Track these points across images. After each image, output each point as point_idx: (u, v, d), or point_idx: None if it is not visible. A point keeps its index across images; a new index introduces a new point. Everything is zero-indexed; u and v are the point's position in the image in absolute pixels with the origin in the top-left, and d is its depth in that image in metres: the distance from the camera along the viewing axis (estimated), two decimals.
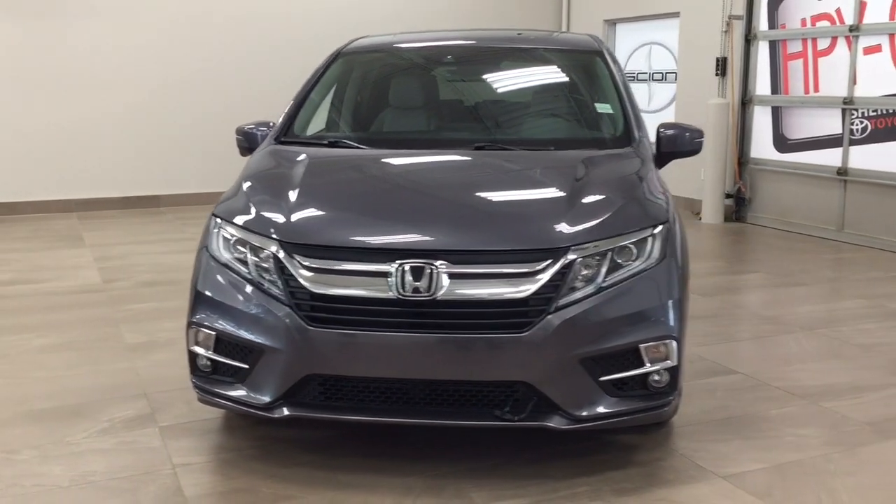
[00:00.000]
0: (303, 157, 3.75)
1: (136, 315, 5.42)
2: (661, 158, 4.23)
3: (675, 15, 9.84)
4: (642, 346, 3.12)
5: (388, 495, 3.12)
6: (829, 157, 8.12)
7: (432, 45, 4.80)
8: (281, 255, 3.15)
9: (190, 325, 3.32)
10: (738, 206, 9.15)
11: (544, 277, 3.02)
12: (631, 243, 3.19)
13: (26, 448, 3.51)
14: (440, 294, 3.00)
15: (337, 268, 3.09)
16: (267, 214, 3.31)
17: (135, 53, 9.65)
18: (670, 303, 3.19)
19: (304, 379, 3.11)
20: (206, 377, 3.33)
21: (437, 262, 3.02)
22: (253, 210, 3.36)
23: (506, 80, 4.61)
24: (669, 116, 10.12)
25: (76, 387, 4.21)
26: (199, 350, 3.31)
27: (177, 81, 9.83)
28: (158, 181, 9.98)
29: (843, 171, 7.97)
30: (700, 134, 4.25)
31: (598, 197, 3.34)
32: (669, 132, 4.16)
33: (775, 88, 8.71)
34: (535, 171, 3.66)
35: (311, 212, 3.30)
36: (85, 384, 4.25)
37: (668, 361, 3.18)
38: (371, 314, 3.04)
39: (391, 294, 3.02)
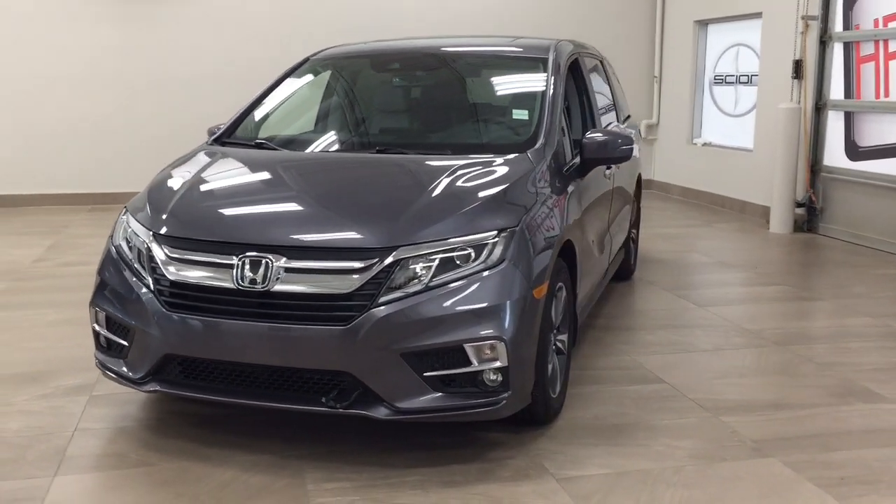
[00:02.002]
0: (212, 157, 4.10)
1: None
2: (585, 165, 4.27)
3: (758, 15, 9.49)
4: (467, 345, 3.23)
5: (231, 469, 3.40)
6: None
7: (386, 53, 5.03)
8: (153, 244, 3.50)
9: (91, 305, 3.73)
10: (809, 216, 8.73)
11: (369, 274, 3.21)
12: (469, 246, 3.31)
13: None
14: (273, 286, 3.25)
15: (191, 258, 3.41)
16: (152, 208, 3.68)
17: (214, 58, 10.31)
18: (504, 305, 3.27)
19: (164, 358, 3.44)
20: (104, 353, 3.74)
21: (273, 257, 3.27)
22: (146, 203, 3.74)
23: (440, 87, 4.77)
24: (752, 121, 9.77)
25: (54, 357, 4.74)
26: (98, 328, 3.72)
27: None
28: None
29: None
30: (628, 141, 4.26)
31: (445, 201, 3.47)
32: (595, 139, 4.22)
33: (848, 93, 8.26)
34: (402, 175, 3.83)
35: (183, 207, 3.64)
36: (62, 355, 4.77)
37: (498, 362, 3.27)
38: (217, 302, 3.34)
39: (233, 285, 3.30)
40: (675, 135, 11.28)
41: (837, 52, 8.36)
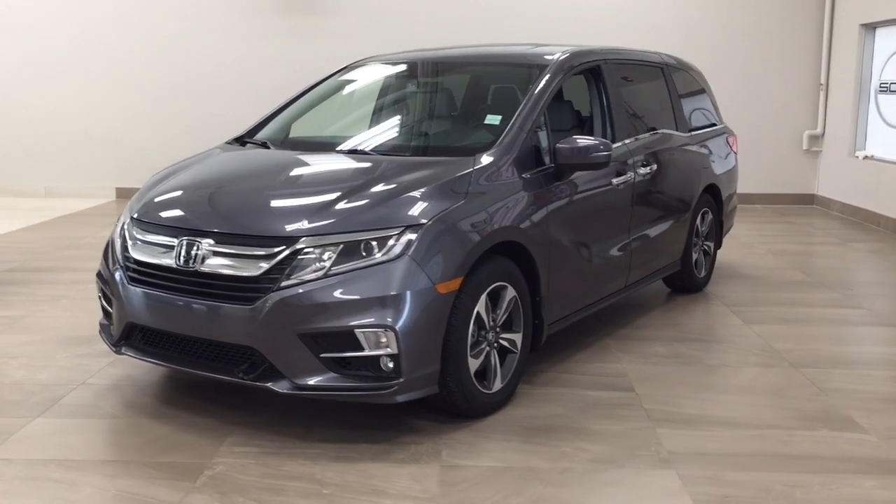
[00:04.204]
0: (208, 155, 4.61)
1: None
2: (561, 170, 4.36)
3: None
4: (358, 331, 3.48)
5: (171, 427, 3.86)
6: None
7: (402, 63, 5.33)
8: (127, 226, 4.06)
9: (96, 277, 4.35)
10: None
11: (274, 260, 3.55)
12: (371, 239, 3.56)
13: (24, 357, 4.81)
14: (201, 267, 3.68)
15: (148, 239, 3.92)
16: (139, 194, 4.26)
17: None
18: (397, 296, 3.49)
19: (128, 326, 3.97)
20: (104, 319, 4.34)
21: (205, 241, 3.70)
22: (139, 192, 4.31)
23: (435, 93, 4.99)
24: None
25: None
26: (99, 297, 4.33)
27: None
28: None
29: None
30: (602, 147, 4.29)
31: (360, 197, 3.73)
32: (568, 145, 4.29)
33: None
34: (338, 173, 4.13)
35: (154, 194, 4.17)
36: None
37: (389, 349, 3.50)
38: (161, 279, 3.82)
39: (174, 263, 3.76)
40: (838, 147, 10.57)
41: None
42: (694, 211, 6.04)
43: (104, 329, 4.26)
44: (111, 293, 4.04)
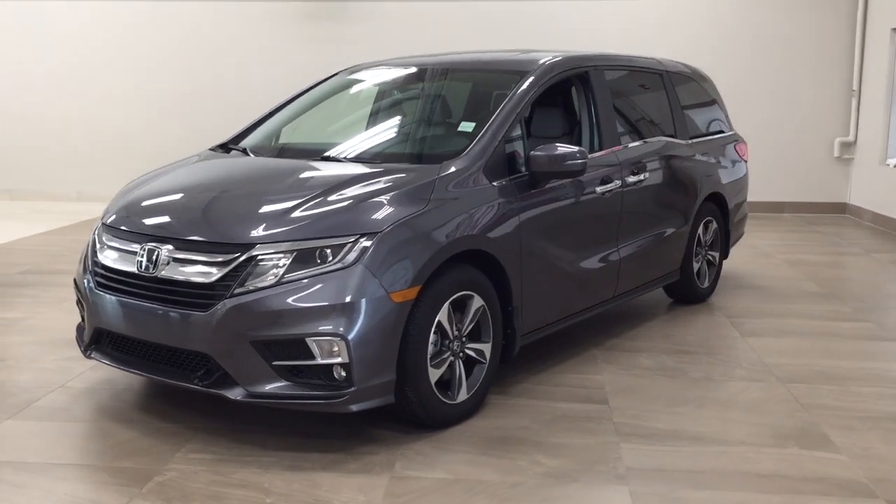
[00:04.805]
0: (184, 161, 4.65)
1: None
2: (536, 178, 4.30)
3: None
4: (309, 339, 3.47)
5: (136, 432, 3.89)
6: None
7: (392, 69, 5.30)
8: (97, 232, 4.11)
9: (73, 283, 4.41)
10: None
11: (228, 267, 3.56)
12: (326, 246, 3.55)
13: (12, 359, 4.91)
14: (160, 273, 3.71)
15: (114, 245, 3.96)
16: (112, 201, 4.30)
17: None
18: (349, 305, 3.47)
19: (96, 331, 4.01)
20: (82, 322, 4.40)
21: (164, 248, 3.72)
22: (113, 198, 4.36)
23: (418, 100, 4.95)
24: None
25: None
26: (77, 301, 4.39)
27: None
28: None
29: None
30: (577, 156, 4.22)
31: (318, 205, 3.71)
32: (542, 154, 4.23)
33: None
34: (302, 180, 4.10)
35: (124, 201, 4.21)
36: None
37: (341, 358, 3.48)
38: (125, 284, 3.85)
39: (135, 269, 3.79)
40: (870, 155, 10.28)
41: None
42: (695, 220, 5.91)
43: (79, 333, 4.31)
44: (81, 298, 4.09)
